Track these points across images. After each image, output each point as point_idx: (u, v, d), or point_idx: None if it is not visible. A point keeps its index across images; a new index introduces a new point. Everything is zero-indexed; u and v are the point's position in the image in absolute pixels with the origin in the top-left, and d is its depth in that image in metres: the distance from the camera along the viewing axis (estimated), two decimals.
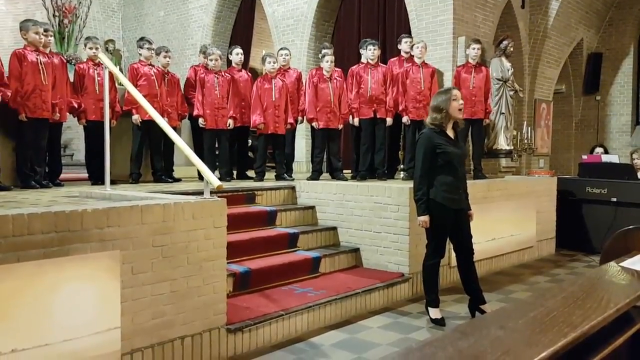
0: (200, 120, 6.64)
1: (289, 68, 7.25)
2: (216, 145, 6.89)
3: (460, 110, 4.43)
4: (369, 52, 6.69)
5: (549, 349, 1.57)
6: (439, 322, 4.46)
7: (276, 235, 5.33)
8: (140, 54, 6.61)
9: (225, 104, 6.75)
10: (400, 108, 6.71)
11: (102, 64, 5.21)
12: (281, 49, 7.44)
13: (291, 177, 6.96)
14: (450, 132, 4.44)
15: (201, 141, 6.98)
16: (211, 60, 6.75)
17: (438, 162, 4.33)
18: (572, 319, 1.85)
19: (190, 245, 3.56)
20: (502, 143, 7.86)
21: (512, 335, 1.68)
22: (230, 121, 6.76)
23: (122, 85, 5.20)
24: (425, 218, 4.34)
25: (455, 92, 4.44)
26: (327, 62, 6.61)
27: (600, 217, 7.47)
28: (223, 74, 6.84)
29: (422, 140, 4.40)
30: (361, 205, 5.66)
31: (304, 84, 7.24)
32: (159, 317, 3.40)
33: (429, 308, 4.55)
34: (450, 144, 4.38)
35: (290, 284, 4.86)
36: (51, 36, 5.91)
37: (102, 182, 4.57)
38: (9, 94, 5.28)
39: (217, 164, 6.84)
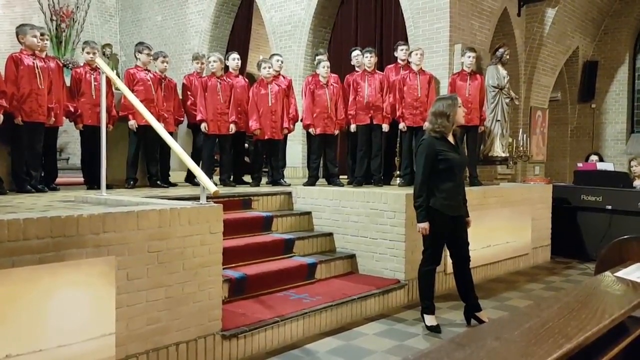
0: (203, 125, 6.65)
1: (279, 75, 7.26)
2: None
3: (463, 117, 4.49)
4: (366, 60, 6.73)
5: None
6: (435, 330, 4.45)
7: (272, 241, 5.32)
8: (138, 59, 6.60)
9: (227, 109, 6.77)
10: (397, 114, 6.74)
11: (99, 69, 5.21)
12: (275, 54, 7.46)
13: (286, 182, 6.96)
14: (450, 139, 4.46)
15: (198, 146, 6.99)
16: (210, 62, 6.76)
17: (439, 169, 4.33)
18: (568, 329, 1.86)
19: (186, 251, 3.55)
20: (498, 150, 7.88)
21: (507, 347, 1.69)
22: (232, 126, 6.78)
23: (119, 90, 5.20)
24: (425, 225, 4.34)
25: (459, 99, 4.48)
26: (323, 67, 6.64)
27: (595, 225, 7.50)
28: (225, 79, 6.87)
29: (424, 146, 4.39)
30: (357, 212, 5.66)
31: (294, 91, 7.28)
32: (154, 323, 3.39)
33: (425, 315, 4.55)
34: (452, 151, 4.39)
35: (286, 290, 4.85)
36: (47, 40, 5.91)
37: (98, 187, 4.57)
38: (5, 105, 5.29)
39: (219, 169, 6.87)
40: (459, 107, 4.41)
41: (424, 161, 4.34)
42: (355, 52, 7.16)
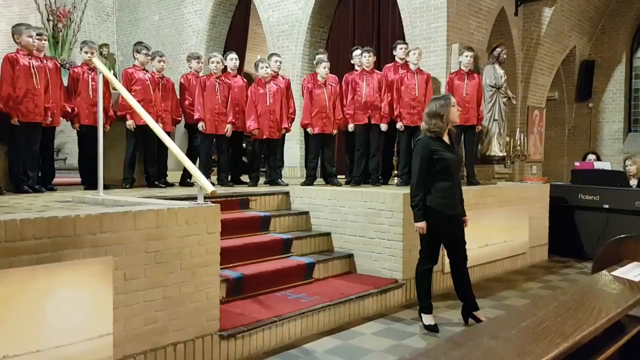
0: (201, 124, 6.64)
1: (278, 75, 7.25)
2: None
3: (458, 116, 4.50)
4: (364, 59, 6.72)
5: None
6: (432, 329, 4.46)
7: (270, 241, 5.32)
8: (136, 59, 6.58)
9: (224, 108, 6.77)
10: (395, 114, 6.74)
11: (96, 69, 5.20)
12: (274, 54, 7.45)
13: (284, 182, 6.96)
14: (446, 138, 4.47)
15: (195, 146, 6.98)
16: (213, 63, 6.76)
17: (435, 169, 4.34)
18: (564, 328, 1.86)
19: (183, 251, 3.55)
20: (496, 149, 7.89)
21: (504, 345, 1.69)
22: (229, 127, 6.77)
23: (117, 90, 5.19)
24: (422, 224, 4.35)
25: (453, 98, 4.49)
26: (323, 68, 6.64)
27: (592, 224, 7.51)
28: (223, 78, 6.86)
29: (419, 146, 4.41)
30: (355, 211, 5.66)
31: (293, 91, 7.28)
32: (152, 323, 3.38)
33: (422, 314, 4.55)
34: (447, 150, 4.40)
35: (284, 290, 4.85)
36: (45, 40, 5.89)
37: (95, 187, 4.56)
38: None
39: (216, 169, 6.86)
40: (453, 106, 4.42)
41: (420, 161, 4.36)
42: (357, 51, 7.13)
